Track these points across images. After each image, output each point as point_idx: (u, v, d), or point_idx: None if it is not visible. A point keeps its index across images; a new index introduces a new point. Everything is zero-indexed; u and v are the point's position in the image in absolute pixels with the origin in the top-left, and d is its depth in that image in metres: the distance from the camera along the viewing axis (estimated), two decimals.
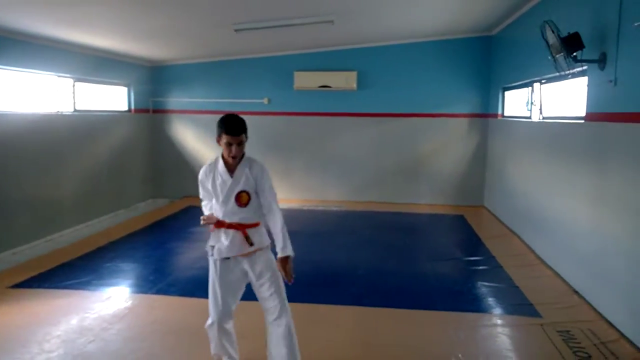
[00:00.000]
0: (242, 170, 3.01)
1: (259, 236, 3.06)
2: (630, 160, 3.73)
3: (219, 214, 3.03)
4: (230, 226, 3.00)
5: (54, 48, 6.49)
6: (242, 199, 3.00)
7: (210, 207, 3.13)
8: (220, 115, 2.97)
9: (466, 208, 8.55)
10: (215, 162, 3.05)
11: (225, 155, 2.99)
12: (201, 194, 3.16)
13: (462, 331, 3.84)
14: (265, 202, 3.05)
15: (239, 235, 3.00)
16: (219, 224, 3.01)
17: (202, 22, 6.34)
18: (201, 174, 3.08)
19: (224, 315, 3.10)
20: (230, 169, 3.01)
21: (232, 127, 2.91)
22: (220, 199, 3.00)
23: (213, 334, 3.14)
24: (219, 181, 3.01)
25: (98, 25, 5.91)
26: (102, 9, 5.25)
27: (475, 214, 8.15)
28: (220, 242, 3.01)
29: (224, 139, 2.92)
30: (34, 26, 5.61)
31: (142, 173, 8.92)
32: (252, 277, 3.07)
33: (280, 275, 3.03)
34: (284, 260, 2.97)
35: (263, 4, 5.68)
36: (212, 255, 3.04)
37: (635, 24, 3.32)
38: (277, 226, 3.01)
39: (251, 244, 3.00)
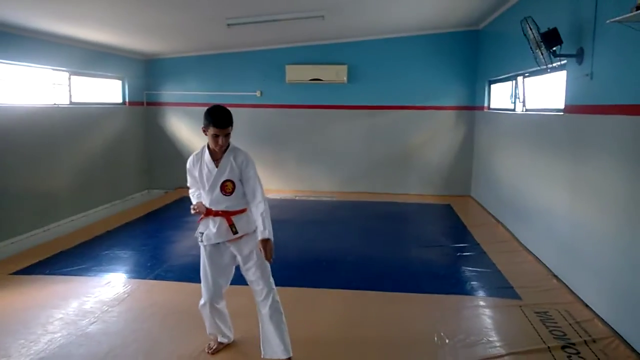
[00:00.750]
0: (227, 159, 3.14)
1: (244, 223, 3.20)
2: (604, 151, 3.95)
3: (205, 202, 3.18)
4: (216, 214, 3.15)
5: (49, 42, 6.61)
6: (227, 187, 3.13)
7: (198, 195, 3.27)
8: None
9: (453, 198, 8.78)
10: (202, 151, 3.18)
11: (212, 146, 3.10)
12: (189, 182, 3.29)
13: (444, 311, 4.06)
14: (248, 189, 3.16)
15: (224, 222, 3.15)
16: (207, 212, 3.17)
17: (195, 16, 6.46)
18: (189, 163, 3.21)
19: (215, 295, 3.29)
20: (216, 158, 3.14)
21: (219, 120, 3.00)
22: (207, 187, 3.14)
23: (206, 314, 3.33)
24: (205, 171, 3.14)
25: (93, 19, 6.02)
26: (97, 3, 5.37)
27: (462, 203, 8.38)
28: (209, 229, 3.16)
29: (211, 130, 3.01)
30: (29, 20, 5.71)
31: (137, 164, 9.06)
32: (239, 260, 3.25)
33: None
34: (264, 242, 3.07)
35: (254, 0, 5.82)
36: (202, 241, 3.20)
37: (608, 21, 3.51)
38: (258, 212, 3.10)
39: (235, 232, 3.16)
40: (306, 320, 3.89)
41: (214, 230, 3.15)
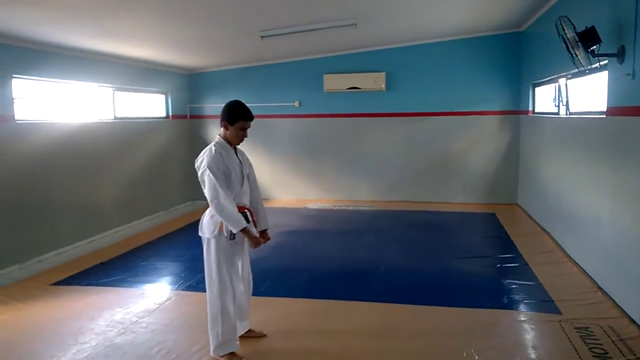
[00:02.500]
0: (240, 154, 3.36)
1: (258, 217, 3.47)
2: None
3: (233, 196, 3.23)
4: (242, 209, 3.27)
5: (94, 60, 6.89)
6: (247, 179, 3.39)
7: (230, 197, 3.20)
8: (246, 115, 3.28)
9: (499, 206, 8.47)
10: (223, 145, 3.26)
11: (236, 140, 3.28)
12: (220, 180, 3.15)
13: (478, 326, 3.88)
14: (252, 182, 3.43)
15: (250, 217, 3.32)
16: (240, 208, 3.25)
17: (230, 30, 6.60)
18: (219, 154, 3.19)
19: (235, 296, 3.37)
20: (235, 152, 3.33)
21: (248, 113, 3.24)
22: (240, 181, 3.28)
23: (228, 318, 3.33)
24: (235, 164, 3.28)
25: (135, 36, 6.24)
26: (138, 21, 5.55)
27: (507, 211, 8.07)
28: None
29: (240, 124, 3.22)
30: (74, 40, 5.97)
31: (180, 177, 9.27)
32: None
33: None
34: (265, 231, 3.50)
35: (284, 12, 5.87)
36: (234, 238, 3.23)
37: None
38: (261, 202, 3.54)
39: (255, 225, 3.38)
40: (334, 332, 3.85)
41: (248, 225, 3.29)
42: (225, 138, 3.30)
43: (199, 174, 3.24)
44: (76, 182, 6.51)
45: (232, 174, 3.24)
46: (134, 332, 3.86)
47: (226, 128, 3.26)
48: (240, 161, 3.36)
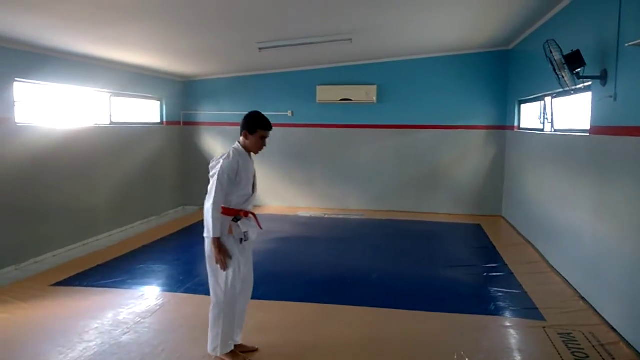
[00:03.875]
0: (252, 161, 3.54)
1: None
2: (628, 173, 3.93)
3: (239, 203, 3.43)
4: (246, 214, 3.48)
5: (93, 65, 7.00)
6: (255, 187, 3.58)
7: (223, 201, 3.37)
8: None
9: (484, 218, 8.73)
10: (241, 153, 3.43)
11: (255, 148, 3.47)
12: (225, 186, 3.32)
13: (466, 331, 4.08)
14: (256, 188, 3.60)
15: (254, 220, 3.55)
16: (245, 213, 3.46)
17: (228, 41, 6.76)
18: (237, 161, 3.36)
19: (238, 299, 3.51)
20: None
21: (268, 123, 3.44)
22: (249, 188, 3.48)
23: (230, 319, 3.46)
24: (251, 171, 3.48)
25: (133, 43, 6.37)
26: (137, 29, 5.69)
27: (492, 223, 8.33)
28: (252, 227, 3.49)
29: (260, 133, 3.41)
30: (73, 45, 6.08)
31: (173, 182, 9.38)
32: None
33: None
34: None
35: (283, 25, 6.07)
36: (246, 240, 3.44)
37: (627, 44, 3.55)
38: None
39: (261, 228, 3.59)
40: (328, 335, 4.00)
41: (254, 227, 3.51)
42: (244, 146, 3.46)
43: (211, 173, 3.40)
44: (72, 184, 6.59)
45: (244, 180, 3.41)
46: (137, 332, 3.98)
47: (246, 137, 3.42)
48: (254, 170, 3.54)
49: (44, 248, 6.08)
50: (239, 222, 3.41)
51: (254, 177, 3.58)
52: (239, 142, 3.48)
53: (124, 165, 7.80)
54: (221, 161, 3.35)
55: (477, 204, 8.99)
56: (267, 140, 3.49)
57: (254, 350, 3.68)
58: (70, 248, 6.46)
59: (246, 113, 3.52)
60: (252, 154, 3.52)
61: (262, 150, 3.52)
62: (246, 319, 3.73)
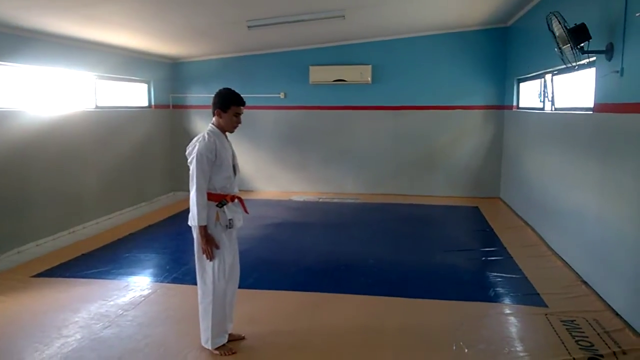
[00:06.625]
0: (229, 142, 3.34)
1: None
2: (634, 152, 3.73)
3: (223, 187, 3.22)
4: (232, 198, 3.30)
5: (76, 47, 6.71)
6: (237, 168, 3.40)
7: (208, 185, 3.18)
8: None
9: (482, 200, 8.55)
10: (216, 133, 3.23)
11: (230, 126, 3.27)
12: (206, 169, 3.12)
13: (466, 319, 3.91)
14: (238, 170, 3.44)
15: (240, 205, 3.37)
16: (227, 198, 3.25)
17: (217, 20, 6.49)
18: (212, 144, 3.14)
19: (227, 288, 3.34)
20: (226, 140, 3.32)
21: (240, 98, 3.24)
22: (230, 168, 3.27)
23: (220, 309, 3.30)
24: (229, 152, 3.27)
25: (118, 23, 6.09)
26: (121, 8, 5.42)
27: (490, 205, 8.16)
28: (237, 214, 3.32)
29: (234, 109, 3.22)
30: (56, 26, 5.81)
31: (163, 167, 9.14)
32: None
33: None
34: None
35: (273, 1, 5.78)
36: (232, 227, 3.25)
37: (637, 14, 3.32)
38: None
39: (247, 212, 3.43)
40: (323, 325, 3.83)
41: (239, 214, 3.35)
42: (219, 126, 3.26)
43: (189, 160, 3.19)
44: (56, 171, 6.35)
45: (225, 162, 3.21)
46: (119, 326, 3.79)
47: (219, 116, 3.24)
48: (232, 150, 3.35)
49: (27, 238, 5.86)
50: (224, 208, 3.23)
51: (234, 157, 3.38)
52: (212, 123, 3.30)
53: (111, 151, 7.55)
54: (197, 145, 3.15)
55: (475, 185, 8.80)
56: (240, 118, 3.30)
57: (240, 339, 3.54)
58: (56, 237, 6.24)
59: (218, 90, 3.32)
60: (227, 133, 3.33)
61: (238, 128, 3.34)
62: (236, 309, 3.56)
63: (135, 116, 8.36)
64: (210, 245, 3.16)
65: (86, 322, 3.83)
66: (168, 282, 4.73)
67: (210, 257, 3.18)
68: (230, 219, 3.24)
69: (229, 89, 3.29)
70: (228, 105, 3.21)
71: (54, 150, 6.30)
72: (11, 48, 5.65)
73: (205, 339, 3.33)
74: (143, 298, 4.32)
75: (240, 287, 3.62)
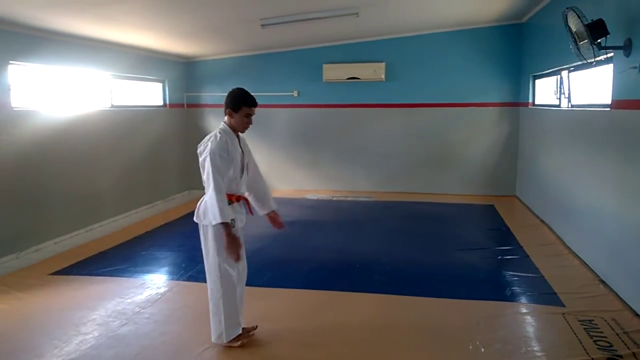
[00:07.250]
0: (242, 142, 3.36)
1: (252, 204, 3.52)
2: None
3: (229, 187, 3.22)
4: (238, 198, 3.32)
5: (92, 47, 6.77)
6: (247, 169, 3.40)
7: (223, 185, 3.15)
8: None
9: (497, 198, 8.47)
10: (227, 133, 3.24)
11: (241, 127, 3.29)
12: (220, 168, 3.10)
13: (482, 318, 3.87)
14: (254, 169, 3.50)
15: (245, 205, 3.41)
16: (232, 198, 3.26)
17: (231, 18, 6.50)
18: (224, 142, 3.15)
19: (235, 282, 3.36)
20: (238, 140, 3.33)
21: (252, 99, 3.25)
22: (239, 169, 3.28)
23: (231, 303, 3.32)
24: (238, 152, 3.28)
25: (133, 23, 6.14)
26: (135, 7, 5.45)
27: (506, 203, 8.08)
28: (241, 214, 3.37)
29: (245, 110, 3.23)
30: (73, 26, 5.86)
31: (178, 165, 9.20)
32: None
33: None
34: (276, 213, 3.64)
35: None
36: (233, 227, 3.22)
37: None
38: (267, 188, 3.62)
39: (252, 214, 3.47)
40: (337, 323, 3.83)
41: (242, 214, 3.38)
42: (230, 125, 3.28)
43: (201, 159, 3.18)
44: (74, 170, 6.42)
45: (234, 162, 3.23)
46: (136, 323, 3.83)
47: (231, 116, 3.25)
48: (242, 150, 3.35)
49: (45, 235, 5.92)
50: (228, 207, 3.23)
51: (245, 157, 3.37)
52: (224, 121, 3.30)
53: (127, 150, 7.61)
54: (209, 144, 3.14)
55: (490, 183, 8.72)
56: (255, 116, 3.32)
57: (253, 329, 3.58)
58: (73, 235, 6.30)
59: (231, 90, 3.34)
60: (239, 133, 3.35)
61: (248, 129, 3.36)
62: (250, 306, 3.61)
63: (150, 115, 8.42)
64: (235, 245, 3.14)
65: (103, 319, 3.88)
66: (184, 280, 4.77)
67: (237, 258, 3.18)
68: (232, 219, 3.22)
69: (242, 89, 3.30)
70: (239, 105, 3.21)
71: (71, 149, 6.36)
72: (28, 48, 5.72)
73: (218, 334, 3.33)
74: (159, 296, 4.36)
75: (254, 284, 3.66)
